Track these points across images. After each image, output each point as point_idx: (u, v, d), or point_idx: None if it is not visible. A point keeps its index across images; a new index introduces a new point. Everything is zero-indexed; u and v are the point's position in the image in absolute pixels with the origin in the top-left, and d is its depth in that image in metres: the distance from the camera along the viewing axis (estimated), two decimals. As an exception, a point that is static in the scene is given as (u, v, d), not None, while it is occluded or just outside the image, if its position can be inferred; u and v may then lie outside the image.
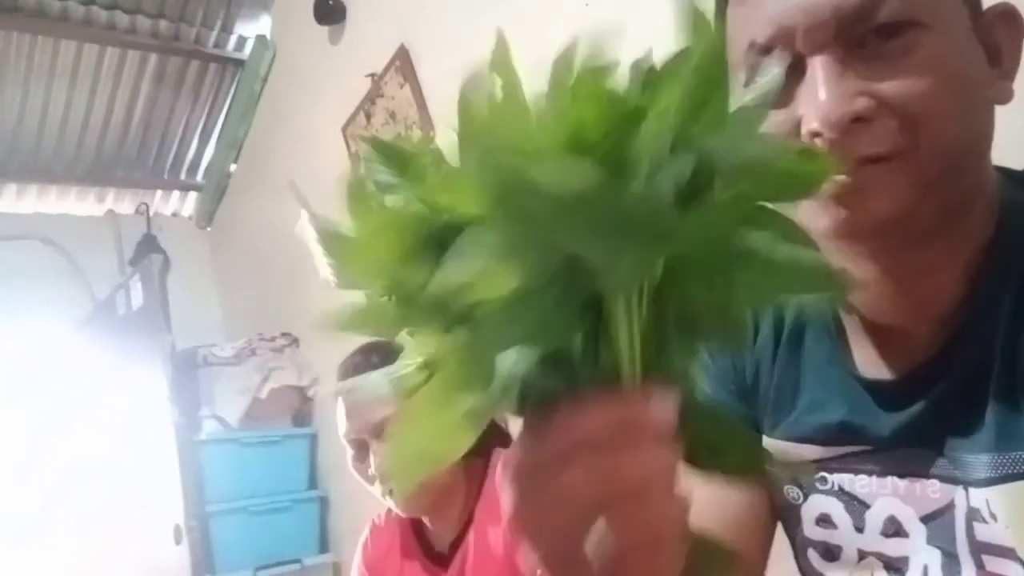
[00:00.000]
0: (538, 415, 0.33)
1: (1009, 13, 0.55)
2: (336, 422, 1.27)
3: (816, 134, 0.50)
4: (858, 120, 0.49)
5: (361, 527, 1.44)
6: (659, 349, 0.33)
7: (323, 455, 2.88)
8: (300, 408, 2.95)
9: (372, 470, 1.22)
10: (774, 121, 0.53)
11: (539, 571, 0.34)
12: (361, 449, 1.24)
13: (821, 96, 0.49)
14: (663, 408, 0.32)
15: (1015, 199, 0.57)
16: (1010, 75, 0.55)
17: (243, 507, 2.66)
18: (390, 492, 1.23)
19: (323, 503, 2.89)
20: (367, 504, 1.40)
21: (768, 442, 0.69)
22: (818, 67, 0.50)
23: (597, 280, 0.31)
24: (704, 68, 0.33)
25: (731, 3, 0.55)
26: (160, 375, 2.59)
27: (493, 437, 1.38)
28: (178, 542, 2.50)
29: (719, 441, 0.37)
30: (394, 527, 1.34)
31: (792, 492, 0.67)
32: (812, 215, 0.53)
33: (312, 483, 2.90)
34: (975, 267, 0.55)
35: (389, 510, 1.33)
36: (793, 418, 0.66)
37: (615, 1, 1.55)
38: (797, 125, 0.52)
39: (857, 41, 0.50)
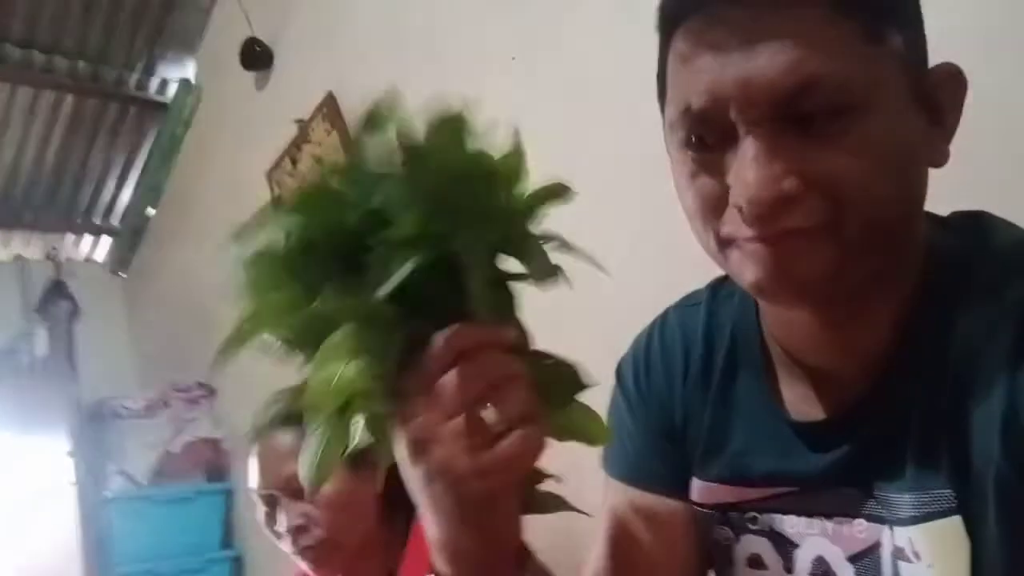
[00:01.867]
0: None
1: (954, 73, 0.55)
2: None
3: (741, 208, 0.50)
4: (785, 200, 0.49)
5: (276, 589, 1.37)
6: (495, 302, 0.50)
7: (239, 512, 2.76)
8: (215, 462, 2.82)
9: (280, 527, 1.17)
10: (703, 185, 0.54)
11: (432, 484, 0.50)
12: (272, 505, 1.19)
13: (749, 177, 0.49)
14: (505, 332, 0.50)
15: (941, 245, 0.58)
16: (950, 135, 0.55)
17: (150, 570, 2.50)
18: (301, 551, 1.17)
19: (237, 564, 2.75)
20: (284, 564, 1.33)
21: (698, 483, 0.69)
22: (748, 145, 0.50)
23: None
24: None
25: (676, 64, 0.54)
26: (63, 430, 2.45)
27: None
28: (77, 610, 2.33)
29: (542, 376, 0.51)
30: None
31: (724, 532, 0.67)
32: (736, 271, 0.54)
33: (226, 542, 2.76)
34: (903, 313, 0.56)
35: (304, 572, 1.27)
36: (723, 461, 0.67)
37: (542, 55, 1.58)
38: (725, 194, 0.52)
39: (790, 119, 0.49)
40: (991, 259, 0.55)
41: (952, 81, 0.55)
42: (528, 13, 1.59)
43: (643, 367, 0.75)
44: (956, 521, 0.52)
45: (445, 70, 1.80)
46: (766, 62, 0.49)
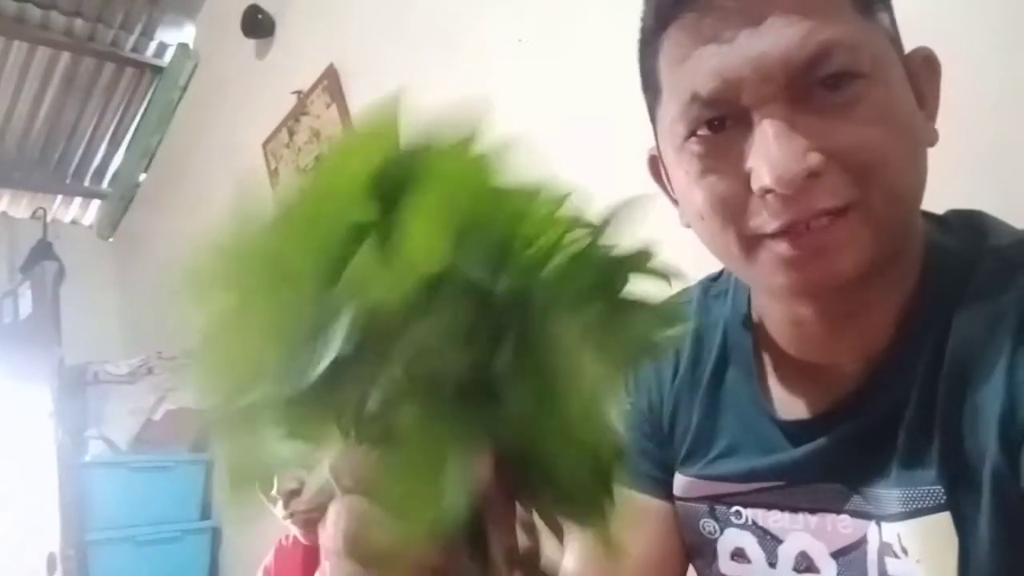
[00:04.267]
0: None
1: (930, 58, 0.57)
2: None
3: (768, 190, 0.50)
4: (811, 176, 0.49)
5: (255, 563, 1.37)
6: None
7: (220, 484, 2.75)
8: (199, 432, 2.81)
9: (273, 490, 1.16)
10: (720, 176, 0.53)
11: None
12: None
13: (774, 153, 0.49)
14: None
15: (940, 242, 0.58)
16: (933, 117, 0.57)
17: (128, 536, 2.49)
18: (293, 515, 1.17)
19: (215, 535, 2.75)
20: (262, 538, 1.33)
21: (682, 478, 0.69)
22: (768, 123, 0.50)
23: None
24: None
25: (673, 62, 0.55)
26: (46, 391, 2.42)
27: None
28: (51, 573, 2.31)
29: None
30: (299, 550, 1.27)
31: (709, 526, 0.67)
32: (767, 273, 0.53)
33: (205, 514, 2.75)
34: (903, 308, 0.57)
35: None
36: (709, 459, 0.67)
37: (548, 38, 1.57)
38: (742, 188, 0.52)
39: (803, 94, 0.50)
40: (991, 256, 0.55)
41: (927, 65, 0.57)
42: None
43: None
44: (945, 517, 0.52)
45: (451, 48, 1.78)
46: (776, 36, 0.49)
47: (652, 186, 0.66)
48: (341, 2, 2.16)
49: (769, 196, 0.50)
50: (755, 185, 0.50)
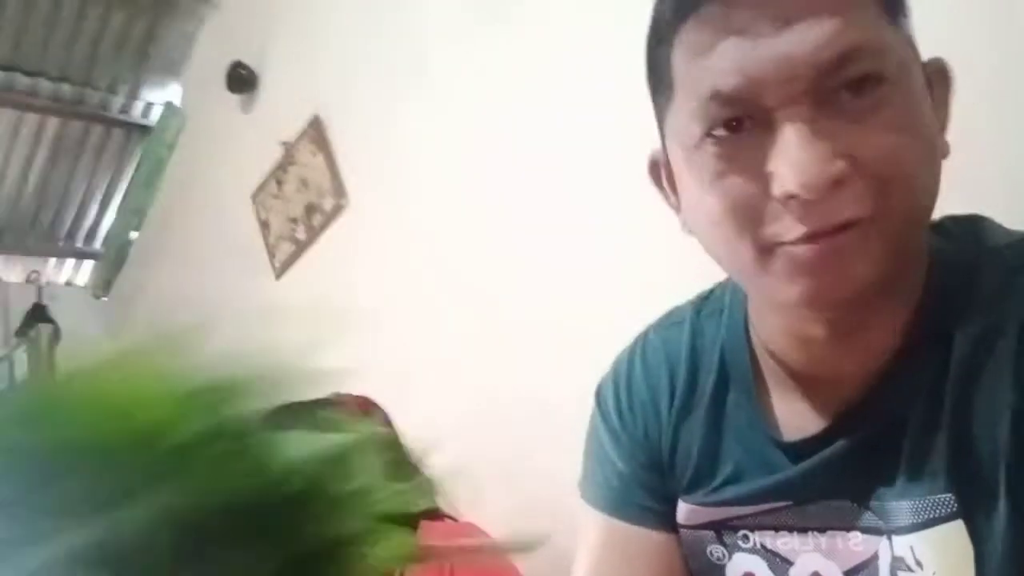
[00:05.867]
0: None
1: (943, 69, 0.55)
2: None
3: (792, 196, 0.47)
4: (836, 183, 0.47)
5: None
6: None
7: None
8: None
9: None
10: (737, 179, 0.50)
11: None
12: None
13: (800, 157, 0.46)
14: None
15: (943, 249, 0.57)
16: (944, 129, 0.55)
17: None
18: None
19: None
20: None
21: (685, 506, 0.67)
22: (791, 126, 0.47)
23: None
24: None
25: (691, 56, 0.51)
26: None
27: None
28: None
29: None
30: None
31: (717, 552, 0.66)
32: (781, 283, 0.50)
33: None
34: (908, 319, 0.56)
35: None
36: (714, 486, 0.65)
37: (528, 82, 1.60)
38: (761, 192, 0.49)
39: (827, 98, 0.48)
40: (990, 261, 0.55)
41: (942, 76, 0.55)
42: (522, 38, 1.61)
43: (625, 395, 0.72)
44: (958, 526, 0.51)
45: (434, 95, 1.81)
46: (804, 35, 0.47)
47: (639, 208, 0.64)
48: (322, 53, 2.20)
49: (792, 202, 0.47)
50: (777, 190, 0.48)
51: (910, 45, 0.52)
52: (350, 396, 1.40)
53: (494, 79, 1.66)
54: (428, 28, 1.84)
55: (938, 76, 0.55)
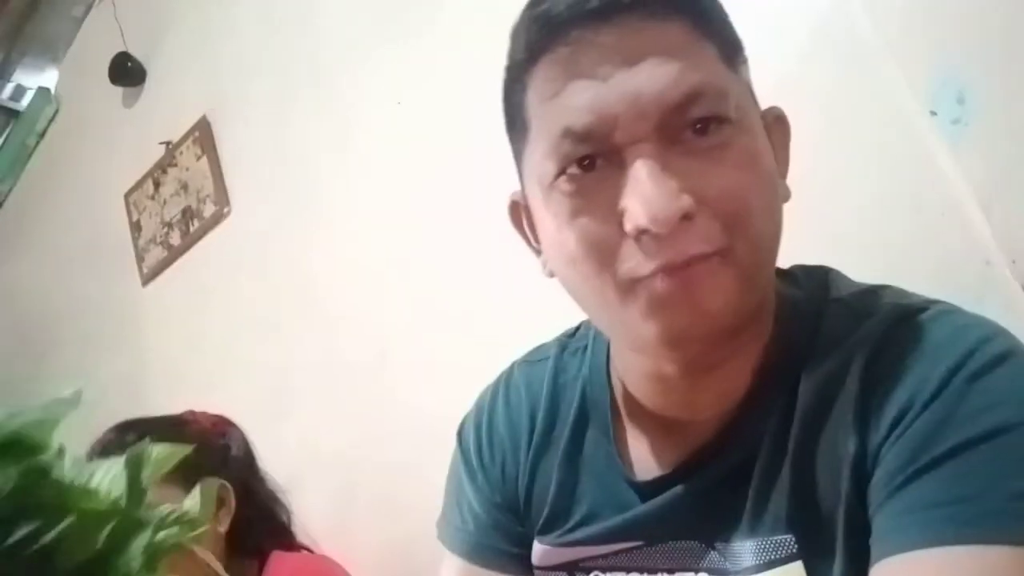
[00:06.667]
0: None
1: (781, 117, 0.59)
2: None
3: (643, 231, 0.49)
4: (684, 218, 0.48)
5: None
6: None
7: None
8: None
9: None
10: (591, 217, 0.51)
11: None
12: None
13: (649, 192, 0.48)
14: None
15: (789, 296, 0.60)
16: (784, 174, 0.59)
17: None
18: None
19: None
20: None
21: (540, 547, 0.67)
22: (641, 162, 0.49)
23: None
24: None
25: (544, 96, 0.53)
26: None
27: (270, 538, 1.27)
28: None
29: None
30: None
31: None
32: (639, 320, 0.51)
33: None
34: (759, 361, 0.58)
35: None
36: (568, 527, 0.65)
37: (426, 100, 1.58)
38: (619, 222, 0.50)
39: (674, 137, 0.50)
40: (836, 307, 0.57)
41: (780, 124, 0.59)
42: (416, 49, 1.59)
43: (485, 436, 0.72)
44: (797, 567, 0.52)
45: (328, 101, 1.77)
46: (651, 75, 0.49)
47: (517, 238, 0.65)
48: (215, 53, 2.11)
49: (644, 237, 0.49)
50: (628, 225, 0.49)
51: (749, 92, 0.56)
52: (205, 415, 1.33)
53: (393, 91, 1.63)
54: (326, 35, 1.79)
55: (776, 123, 0.58)
